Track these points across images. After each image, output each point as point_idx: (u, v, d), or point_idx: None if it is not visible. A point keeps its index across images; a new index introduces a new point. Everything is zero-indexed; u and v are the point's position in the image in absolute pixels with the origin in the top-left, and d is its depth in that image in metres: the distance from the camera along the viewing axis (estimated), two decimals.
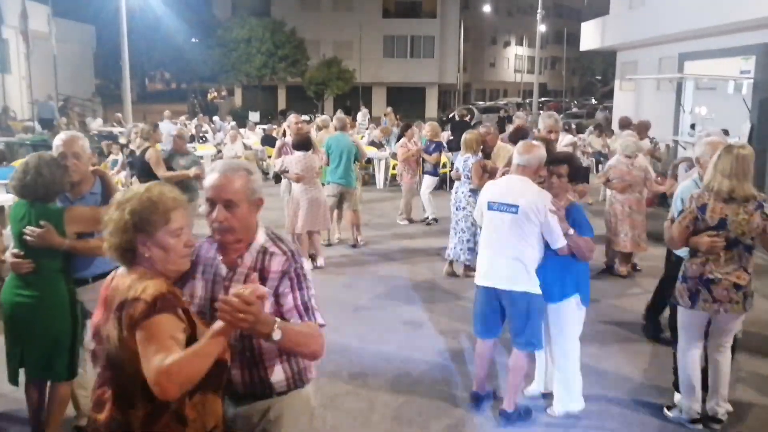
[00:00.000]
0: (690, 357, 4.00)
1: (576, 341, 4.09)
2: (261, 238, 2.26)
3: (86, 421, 2.65)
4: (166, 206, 2.04)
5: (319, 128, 10.24)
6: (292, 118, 9.53)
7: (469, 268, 7.08)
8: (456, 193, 7.21)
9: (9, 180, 3.39)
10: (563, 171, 3.98)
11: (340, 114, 11.76)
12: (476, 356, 4.32)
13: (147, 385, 1.84)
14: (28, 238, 3.29)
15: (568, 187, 4.01)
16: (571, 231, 3.82)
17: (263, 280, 2.15)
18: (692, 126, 13.42)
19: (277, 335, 1.95)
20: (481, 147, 7.16)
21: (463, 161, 7.12)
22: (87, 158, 3.59)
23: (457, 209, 7.15)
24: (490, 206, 4.00)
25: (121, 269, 2.12)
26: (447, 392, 4.54)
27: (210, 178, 2.19)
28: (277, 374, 2.26)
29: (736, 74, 12.30)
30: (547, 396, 4.33)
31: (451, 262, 7.33)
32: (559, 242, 3.83)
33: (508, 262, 3.90)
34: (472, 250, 6.85)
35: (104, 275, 3.30)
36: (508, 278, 3.91)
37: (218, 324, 1.88)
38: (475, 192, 6.88)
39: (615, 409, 4.31)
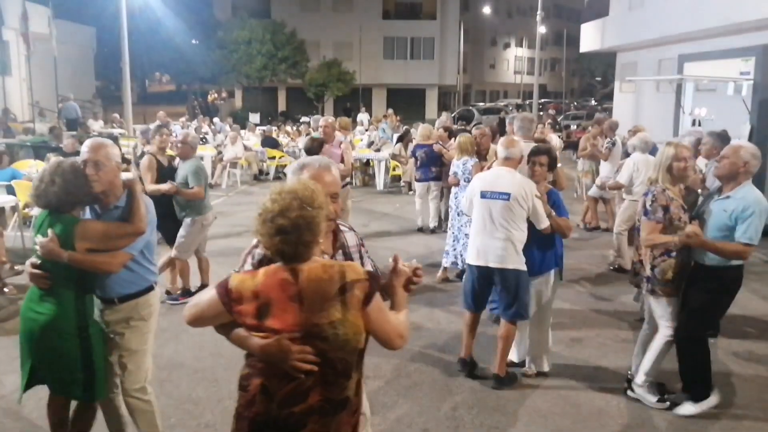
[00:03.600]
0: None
1: (550, 309, 4.73)
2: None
3: None
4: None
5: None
6: (321, 120, 8.76)
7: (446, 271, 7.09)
8: (456, 198, 7.06)
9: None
10: (543, 161, 4.59)
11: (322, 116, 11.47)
12: (464, 327, 4.80)
13: (362, 354, 2.21)
14: (37, 247, 3.10)
15: (547, 175, 4.61)
16: (553, 213, 4.45)
17: (346, 255, 2.53)
18: (693, 123, 13.40)
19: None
20: (475, 149, 7.06)
21: (461, 165, 7.02)
22: (111, 168, 3.22)
23: (459, 215, 6.94)
24: (483, 195, 4.49)
25: (275, 266, 2.14)
26: (447, 392, 4.55)
27: (327, 176, 2.41)
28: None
29: (735, 76, 12.30)
30: (518, 365, 4.87)
31: (445, 269, 7.16)
32: (544, 223, 4.41)
33: (500, 244, 4.41)
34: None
35: (130, 296, 3.32)
36: (501, 258, 4.42)
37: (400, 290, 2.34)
38: None
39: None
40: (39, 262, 3.14)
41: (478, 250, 4.52)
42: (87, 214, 3.30)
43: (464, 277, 4.86)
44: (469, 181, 6.82)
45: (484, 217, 4.47)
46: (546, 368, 4.79)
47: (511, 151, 4.55)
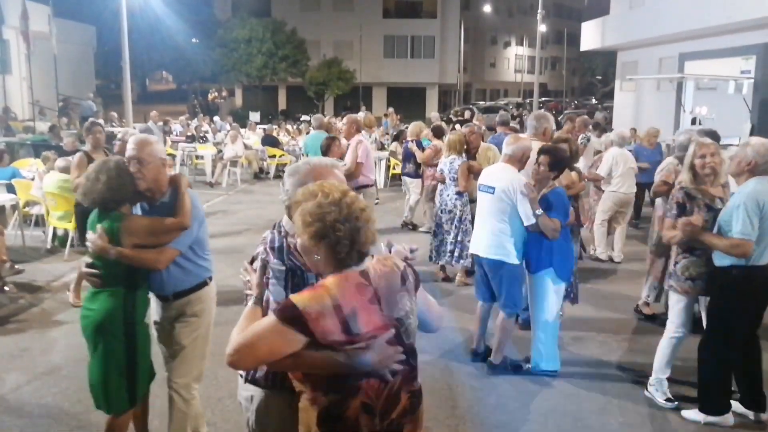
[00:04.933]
0: None
1: (551, 311, 4.62)
2: None
3: None
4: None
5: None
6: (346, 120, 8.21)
7: (445, 270, 7.12)
8: (441, 195, 7.00)
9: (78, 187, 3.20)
10: (543, 161, 4.55)
11: (317, 114, 11.06)
12: (474, 317, 5.01)
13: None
14: (88, 244, 3.11)
15: (549, 174, 4.55)
16: (539, 212, 4.39)
17: None
18: (693, 122, 13.40)
19: None
20: (465, 147, 6.99)
21: (449, 163, 6.90)
22: (156, 165, 3.21)
23: (441, 212, 6.95)
24: (479, 187, 4.77)
25: (342, 274, 2.01)
26: (447, 391, 4.55)
27: (330, 177, 2.37)
28: None
29: (736, 74, 12.30)
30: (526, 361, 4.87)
31: (443, 267, 7.16)
32: (527, 220, 4.45)
33: (487, 234, 4.62)
34: (452, 253, 6.85)
35: (184, 293, 3.34)
36: (487, 247, 4.62)
37: None
38: (461, 194, 6.80)
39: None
40: (91, 260, 3.16)
41: (475, 240, 4.81)
42: (137, 210, 3.30)
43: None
44: (454, 180, 6.82)
45: (480, 208, 4.75)
46: (549, 368, 4.70)
47: (512, 148, 4.62)
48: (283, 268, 2.21)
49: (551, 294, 4.60)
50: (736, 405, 4.15)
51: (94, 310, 3.12)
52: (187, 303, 3.36)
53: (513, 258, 4.53)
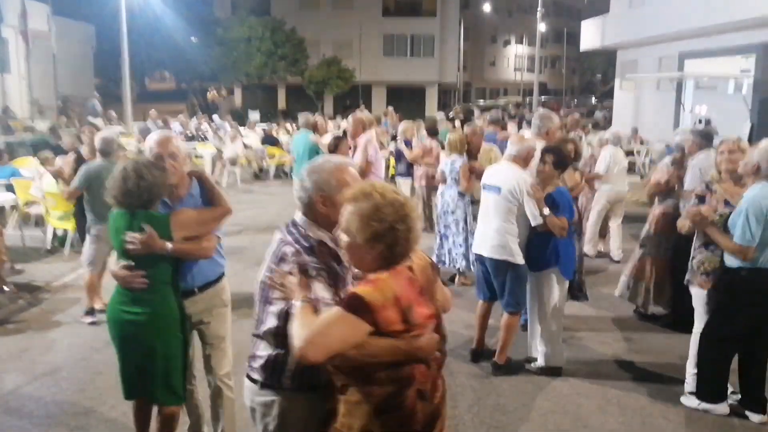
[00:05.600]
0: None
1: (556, 309, 4.66)
2: None
3: None
4: None
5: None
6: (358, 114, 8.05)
7: (465, 276, 6.95)
8: (443, 197, 6.92)
9: (108, 189, 3.07)
10: (548, 159, 4.59)
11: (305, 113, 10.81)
12: (475, 317, 4.98)
13: None
14: (130, 246, 3.00)
15: (554, 173, 4.60)
16: (546, 211, 4.42)
17: None
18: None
19: None
20: (466, 148, 6.95)
21: (450, 163, 6.83)
22: (183, 158, 3.27)
23: (444, 213, 6.87)
24: (484, 187, 4.76)
25: (395, 270, 2.08)
26: (448, 391, 4.53)
27: (348, 177, 2.39)
28: None
29: (736, 73, 12.29)
30: (532, 360, 4.90)
31: (459, 272, 6.98)
32: (534, 220, 4.47)
33: (492, 234, 4.60)
34: (466, 258, 6.69)
35: (210, 284, 3.35)
36: (492, 248, 4.60)
37: None
38: (463, 195, 6.75)
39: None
40: (131, 263, 3.06)
41: (478, 239, 4.80)
42: (160, 208, 3.23)
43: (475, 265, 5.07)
44: (456, 180, 6.77)
45: (485, 207, 4.71)
46: (553, 364, 4.74)
47: (517, 148, 4.69)
48: (320, 266, 2.18)
49: (556, 292, 4.64)
50: (737, 406, 4.18)
51: (146, 313, 3.05)
52: (214, 294, 3.38)
53: (519, 258, 4.56)
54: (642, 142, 18.07)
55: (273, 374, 2.24)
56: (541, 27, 32.79)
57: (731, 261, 3.94)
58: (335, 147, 7.00)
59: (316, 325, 1.96)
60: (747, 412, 4.14)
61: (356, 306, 1.95)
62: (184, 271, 3.23)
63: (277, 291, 2.17)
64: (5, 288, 6.43)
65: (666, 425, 4.11)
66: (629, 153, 17.54)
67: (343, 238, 2.08)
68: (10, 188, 8.29)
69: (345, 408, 2.07)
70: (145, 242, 2.98)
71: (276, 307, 2.19)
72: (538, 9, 31.30)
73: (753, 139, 11.48)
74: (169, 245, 3.02)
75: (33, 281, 6.83)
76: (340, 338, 1.94)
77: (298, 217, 2.32)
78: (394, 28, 42.08)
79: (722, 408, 4.16)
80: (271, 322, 2.21)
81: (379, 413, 2.03)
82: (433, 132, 9.41)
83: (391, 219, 2.00)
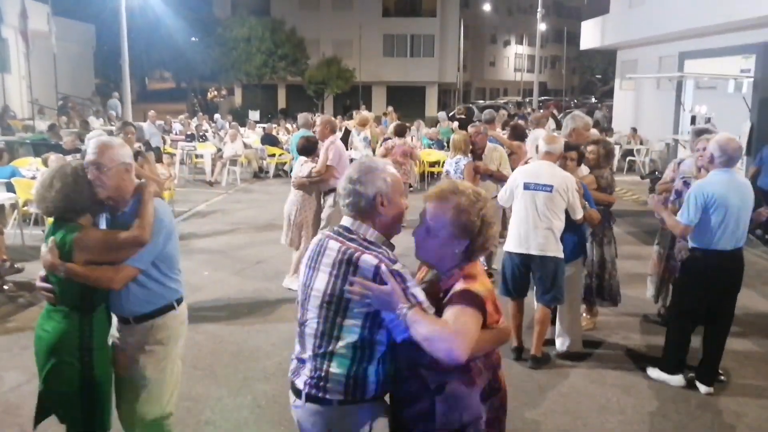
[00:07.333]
0: None
1: (581, 295, 5.19)
2: None
3: None
4: None
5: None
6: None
7: None
8: None
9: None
10: (573, 156, 5.05)
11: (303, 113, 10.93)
12: (512, 317, 4.98)
13: None
14: (41, 256, 2.79)
15: (577, 169, 5.01)
16: (587, 205, 4.81)
17: None
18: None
19: None
20: (470, 147, 6.91)
21: (454, 163, 6.81)
22: (117, 171, 2.84)
23: None
24: (527, 186, 4.74)
25: (474, 265, 2.24)
26: None
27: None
28: None
29: (736, 73, 12.29)
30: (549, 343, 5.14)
31: None
32: (579, 214, 4.76)
33: (542, 233, 4.69)
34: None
35: (147, 316, 2.93)
36: (542, 246, 4.70)
37: None
38: None
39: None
40: (45, 274, 2.85)
41: (520, 239, 4.78)
42: (102, 222, 2.98)
43: (502, 264, 5.03)
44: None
45: (527, 208, 4.73)
46: (574, 348, 5.07)
47: (552, 146, 4.83)
48: (407, 269, 2.17)
49: (582, 280, 5.20)
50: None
51: (49, 331, 2.81)
52: (150, 328, 2.96)
53: (561, 252, 4.77)
54: (642, 142, 18.08)
55: (356, 388, 2.18)
56: (541, 27, 32.80)
57: (689, 242, 4.41)
58: (302, 148, 6.85)
59: (458, 326, 2.02)
60: (697, 383, 4.49)
61: (477, 302, 2.08)
62: (114, 296, 2.90)
63: (360, 301, 2.09)
64: (5, 287, 6.44)
65: (666, 425, 4.11)
66: (629, 152, 17.63)
67: (420, 234, 2.21)
68: (10, 187, 8.30)
69: (443, 406, 2.11)
70: (43, 257, 2.75)
71: (357, 320, 2.13)
72: (538, 9, 31.31)
73: (753, 138, 11.48)
74: (62, 266, 2.71)
75: (33, 280, 6.74)
76: (474, 334, 2.05)
77: (349, 222, 2.26)
78: (394, 28, 42.09)
79: (677, 380, 4.55)
80: (352, 336, 2.15)
81: (485, 399, 2.17)
82: (400, 132, 10.39)
83: (482, 213, 2.14)
